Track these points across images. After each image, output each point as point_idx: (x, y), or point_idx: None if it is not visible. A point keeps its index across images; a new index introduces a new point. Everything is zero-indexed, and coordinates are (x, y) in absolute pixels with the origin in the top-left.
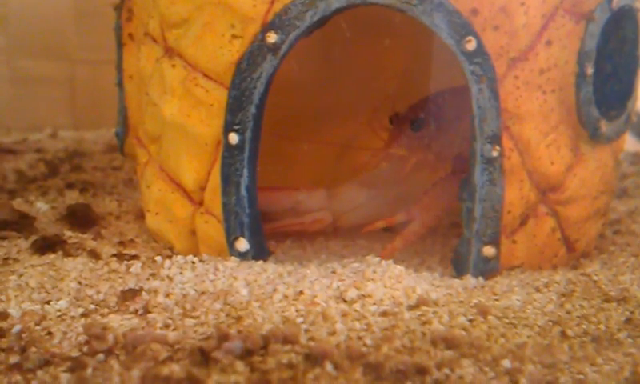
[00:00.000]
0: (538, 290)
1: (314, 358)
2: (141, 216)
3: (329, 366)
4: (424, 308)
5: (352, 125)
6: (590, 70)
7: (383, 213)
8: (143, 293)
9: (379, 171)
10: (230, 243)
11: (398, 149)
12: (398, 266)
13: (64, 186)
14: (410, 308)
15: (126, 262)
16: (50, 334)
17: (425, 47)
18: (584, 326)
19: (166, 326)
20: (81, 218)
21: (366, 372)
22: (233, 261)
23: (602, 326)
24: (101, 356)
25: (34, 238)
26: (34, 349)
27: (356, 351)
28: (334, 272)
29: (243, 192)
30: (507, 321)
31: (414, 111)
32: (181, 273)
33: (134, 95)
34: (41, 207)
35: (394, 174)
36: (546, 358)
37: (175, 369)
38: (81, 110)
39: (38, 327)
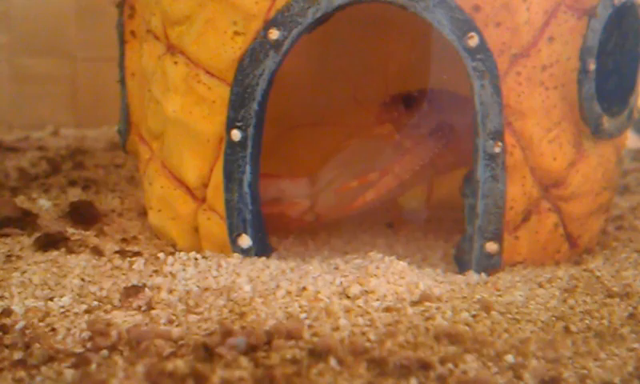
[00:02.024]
0: (540, 285)
1: (317, 354)
2: (143, 213)
3: (332, 362)
4: (427, 304)
5: (352, 121)
6: (592, 66)
7: (359, 192)
8: (146, 289)
9: (355, 149)
10: (233, 240)
11: (388, 122)
12: (401, 262)
13: (66, 183)
14: (413, 304)
15: (128, 258)
16: (53, 330)
17: (427, 43)
18: (587, 322)
19: (170, 322)
20: (83, 215)
21: (370, 367)
22: (235, 257)
23: (605, 322)
24: (105, 352)
25: (36, 235)
26: (37, 345)
27: (359, 346)
28: (336, 268)
29: (246, 189)
30: (510, 316)
31: (408, 92)
32: (184, 269)
33: (136, 92)
34: (43, 204)
35: (371, 152)
36: (549, 353)
37: (179, 364)
38: (83, 107)
39: (41, 324)
